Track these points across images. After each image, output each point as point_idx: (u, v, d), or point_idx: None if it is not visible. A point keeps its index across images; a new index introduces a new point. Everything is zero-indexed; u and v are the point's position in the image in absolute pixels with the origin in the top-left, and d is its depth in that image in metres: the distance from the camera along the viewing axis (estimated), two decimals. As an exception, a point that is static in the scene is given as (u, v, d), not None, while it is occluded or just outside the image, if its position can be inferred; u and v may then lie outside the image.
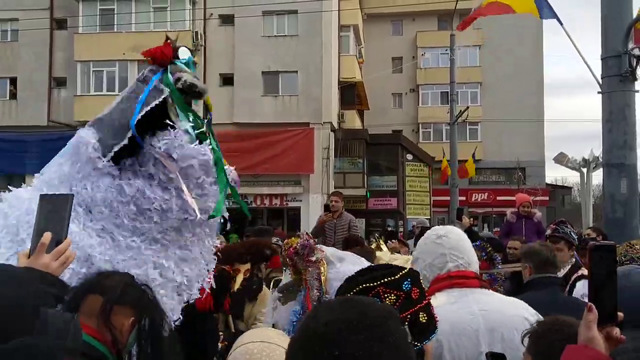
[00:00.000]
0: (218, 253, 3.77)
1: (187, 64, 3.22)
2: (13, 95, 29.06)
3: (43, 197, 2.05)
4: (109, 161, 2.95)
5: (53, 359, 1.34)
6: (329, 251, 3.73)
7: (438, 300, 2.44)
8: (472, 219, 13.68)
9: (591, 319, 1.79)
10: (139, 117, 2.93)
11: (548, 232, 5.88)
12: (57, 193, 2.24)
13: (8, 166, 26.98)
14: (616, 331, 1.82)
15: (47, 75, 28.53)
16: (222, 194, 3.16)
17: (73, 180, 2.98)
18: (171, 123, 2.99)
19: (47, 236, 1.92)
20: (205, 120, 3.23)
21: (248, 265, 4.62)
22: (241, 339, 2.20)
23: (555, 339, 2.00)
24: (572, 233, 5.42)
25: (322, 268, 3.38)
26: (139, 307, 1.94)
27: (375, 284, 1.95)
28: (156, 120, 2.98)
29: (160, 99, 3.00)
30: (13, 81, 29.08)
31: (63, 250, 1.95)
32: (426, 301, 2.07)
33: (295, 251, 3.49)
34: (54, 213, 1.99)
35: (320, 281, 3.30)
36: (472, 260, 2.69)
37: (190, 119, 3.11)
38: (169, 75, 3.10)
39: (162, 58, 3.15)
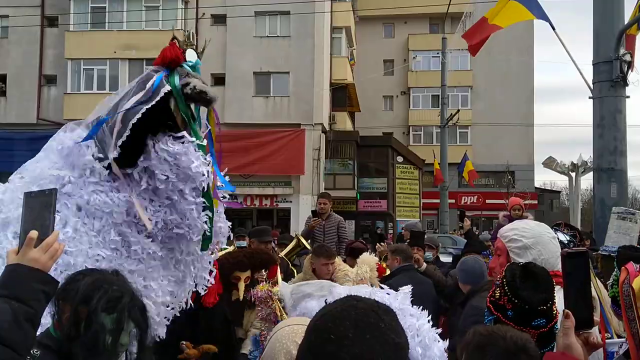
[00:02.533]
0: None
1: (193, 67, 3.19)
2: (2, 93, 28.82)
3: (28, 195, 2.07)
4: (107, 169, 2.95)
5: None
6: (290, 291, 3.78)
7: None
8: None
9: (569, 325, 1.80)
10: (140, 115, 2.89)
11: None
12: (41, 189, 2.23)
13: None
14: (594, 336, 1.83)
15: (37, 73, 28.32)
16: (211, 218, 3.17)
17: (70, 184, 2.98)
18: (171, 129, 3.00)
19: (34, 232, 1.93)
20: (204, 133, 3.19)
21: (248, 273, 4.62)
22: (283, 323, 2.41)
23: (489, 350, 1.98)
24: (557, 235, 5.35)
25: (278, 313, 3.48)
26: (76, 302, 2.20)
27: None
28: (158, 122, 2.94)
29: (158, 98, 2.94)
30: (2, 78, 28.83)
31: (51, 243, 1.95)
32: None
33: (251, 298, 3.71)
34: (40, 209, 2.01)
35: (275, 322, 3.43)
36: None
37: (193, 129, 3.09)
38: (176, 78, 3.04)
39: (171, 59, 3.09)
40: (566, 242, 5.26)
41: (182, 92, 3.04)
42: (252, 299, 4.02)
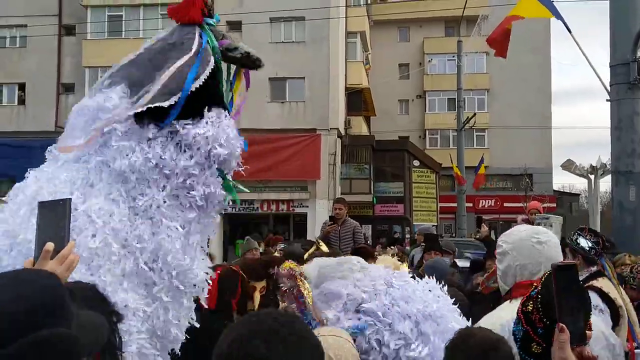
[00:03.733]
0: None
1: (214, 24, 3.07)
2: (21, 101, 29.21)
3: (42, 204, 2.07)
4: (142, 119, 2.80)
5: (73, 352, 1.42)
6: (317, 270, 3.77)
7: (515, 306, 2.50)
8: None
9: (564, 339, 1.80)
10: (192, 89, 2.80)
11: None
12: (55, 199, 2.24)
13: (14, 171, 27.08)
14: (588, 350, 1.83)
15: (55, 81, 28.67)
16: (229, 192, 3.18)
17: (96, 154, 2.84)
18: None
19: (50, 244, 1.93)
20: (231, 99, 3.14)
21: (264, 282, 4.59)
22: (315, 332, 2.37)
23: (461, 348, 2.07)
24: (579, 240, 5.29)
25: (303, 291, 3.43)
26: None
27: None
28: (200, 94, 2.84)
29: (208, 71, 2.86)
30: (21, 87, 29.24)
31: (67, 255, 1.95)
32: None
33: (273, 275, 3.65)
34: (54, 219, 2.01)
35: (300, 302, 3.34)
36: None
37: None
38: (214, 40, 2.94)
39: (196, 19, 2.95)
40: (587, 248, 5.20)
41: (227, 55, 2.97)
42: (275, 276, 3.97)
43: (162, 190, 2.80)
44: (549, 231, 2.88)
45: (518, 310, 2.21)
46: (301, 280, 3.40)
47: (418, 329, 3.06)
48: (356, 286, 3.29)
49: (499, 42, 10.42)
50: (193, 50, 2.88)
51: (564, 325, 1.80)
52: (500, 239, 2.86)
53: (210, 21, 2.99)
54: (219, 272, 5.05)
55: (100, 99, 2.90)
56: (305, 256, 7.74)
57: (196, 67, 2.85)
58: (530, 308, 2.16)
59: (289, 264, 4.00)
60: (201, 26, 2.99)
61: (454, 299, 3.80)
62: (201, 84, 2.81)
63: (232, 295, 4.50)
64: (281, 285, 3.47)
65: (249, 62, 3.00)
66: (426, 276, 3.55)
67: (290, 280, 3.38)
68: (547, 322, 2.09)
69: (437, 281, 3.66)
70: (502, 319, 2.45)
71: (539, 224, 6.00)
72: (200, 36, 2.96)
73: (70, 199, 2.11)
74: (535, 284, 2.62)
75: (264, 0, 26.63)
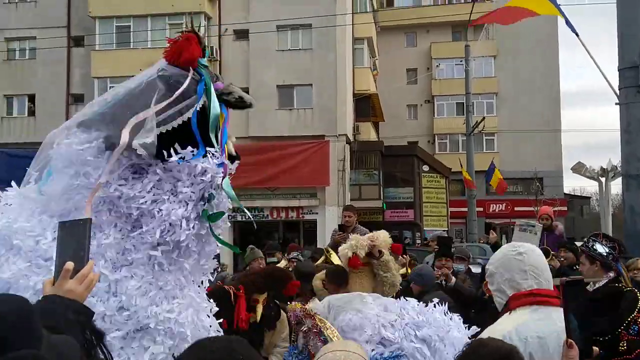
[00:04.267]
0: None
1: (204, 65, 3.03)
2: (31, 113, 29.43)
3: (62, 224, 2.10)
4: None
5: None
6: (327, 304, 3.79)
7: (522, 316, 2.55)
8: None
9: (573, 355, 1.79)
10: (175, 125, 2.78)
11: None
12: (75, 219, 2.26)
13: (20, 182, 27.27)
14: None
15: (65, 92, 28.87)
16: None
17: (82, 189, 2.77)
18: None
19: (70, 263, 1.96)
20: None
21: (265, 295, 4.61)
22: (327, 347, 2.41)
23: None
24: (596, 247, 5.25)
25: (322, 328, 3.44)
26: None
27: None
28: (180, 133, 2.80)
29: (197, 108, 2.84)
30: (31, 98, 29.46)
31: (86, 274, 1.98)
32: None
33: (293, 323, 3.62)
34: (74, 238, 2.03)
35: (322, 341, 3.35)
36: (549, 278, 2.77)
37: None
38: (211, 84, 2.91)
39: (192, 60, 2.90)
40: (605, 254, 5.16)
41: (222, 99, 2.95)
42: (291, 319, 4.00)
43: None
44: (524, 243, 2.98)
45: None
46: (320, 320, 3.43)
47: (434, 349, 3.17)
48: (377, 318, 3.35)
49: (504, 17, 10.33)
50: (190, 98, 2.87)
51: (572, 341, 1.79)
52: (487, 266, 2.94)
53: (203, 61, 2.95)
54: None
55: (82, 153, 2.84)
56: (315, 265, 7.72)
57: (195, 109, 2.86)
58: None
59: (297, 305, 4.03)
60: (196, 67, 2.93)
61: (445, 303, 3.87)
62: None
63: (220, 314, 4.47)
64: (303, 327, 3.50)
65: (241, 105, 3.02)
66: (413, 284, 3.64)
67: (308, 319, 3.42)
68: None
69: (423, 287, 3.75)
70: (504, 331, 2.50)
71: (524, 230, 6.26)
72: (197, 76, 2.93)
73: (90, 219, 2.14)
74: (534, 292, 2.68)
75: (271, 9, 26.72)
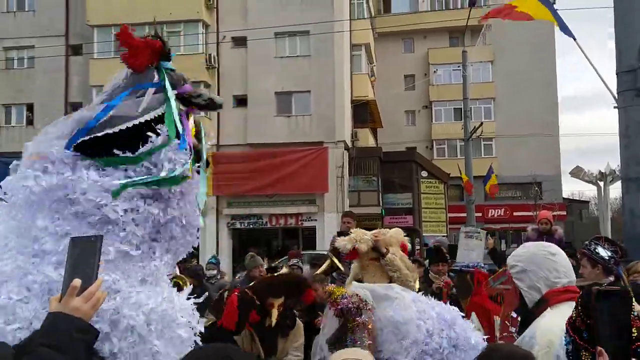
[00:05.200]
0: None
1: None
2: (30, 122, 29.43)
3: (73, 240, 2.07)
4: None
5: None
6: (368, 293, 3.72)
7: (566, 311, 2.56)
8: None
9: None
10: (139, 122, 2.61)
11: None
12: (87, 236, 2.19)
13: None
14: None
15: (63, 101, 28.89)
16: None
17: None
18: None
19: (77, 280, 1.93)
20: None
21: (282, 300, 4.55)
22: (336, 356, 2.42)
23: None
24: (598, 250, 5.25)
25: (370, 323, 3.40)
26: None
27: None
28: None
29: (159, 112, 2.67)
30: (29, 107, 29.48)
31: (93, 292, 1.95)
32: None
33: (341, 310, 3.49)
34: (84, 255, 2.00)
35: (370, 334, 3.31)
36: (573, 277, 2.92)
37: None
38: (168, 86, 2.75)
39: (137, 66, 2.77)
40: (607, 257, 5.17)
41: (190, 102, 2.80)
42: (340, 308, 3.79)
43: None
44: (552, 244, 3.07)
45: (566, 323, 2.25)
46: (368, 309, 3.37)
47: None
48: (420, 319, 3.35)
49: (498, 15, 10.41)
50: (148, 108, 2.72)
51: (602, 349, 1.79)
52: (511, 260, 2.99)
53: (168, 65, 2.82)
54: (236, 294, 5.03)
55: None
56: (319, 271, 7.71)
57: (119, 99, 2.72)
58: (573, 316, 2.19)
59: (343, 290, 3.86)
60: (159, 70, 2.82)
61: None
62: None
63: (247, 317, 4.47)
64: (360, 318, 3.42)
65: (212, 106, 2.87)
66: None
67: (365, 310, 3.35)
68: (588, 322, 2.11)
69: None
70: (560, 324, 2.49)
71: (470, 237, 6.39)
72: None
73: (102, 236, 2.09)
74: (569, 289, 2.77)
75: (269, 16, 26.79)
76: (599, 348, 1.81)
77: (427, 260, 9.05)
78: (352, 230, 4.55)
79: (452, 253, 8.41)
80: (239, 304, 4.42)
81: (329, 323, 3.75)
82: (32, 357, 1.82)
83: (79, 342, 1.88)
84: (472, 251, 6.36)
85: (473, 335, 3.55)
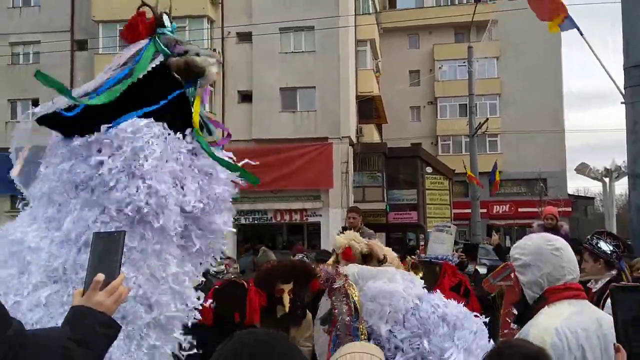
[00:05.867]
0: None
1: (172, 32, 2.93)
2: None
3: (97, 235, 2.09)
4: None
5: None
6: (356, 270, 3.71)
7: (564, 310, 2.65)
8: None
9: (619, 359, 1.79)
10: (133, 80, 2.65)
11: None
12: (110, 231, 2.24)
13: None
14: None
15: (68, 96, 28.93)
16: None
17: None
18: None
19: (100, 275, 1.94)
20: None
21: (291, 285, 4.33)
22: (344, 349, 2.42)
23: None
24: (600, 244, 5.24)
25: (350, 291, 3.35)
26: None
27: None
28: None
29: (158, 62, 2.73)
30: (35, 103, 29.43)
31: (116, 287, 1.96)
32: None
33: (321, 282, 3.49)
34: (107, 250, 2.01)
35: (349, 305, 3.27)
36: (577, 273, 2.88)
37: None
38: (162, 46, 2.79)
39: (146, 30, 2.83)
40: (609, 251, 5.15)
41: (187, 64, 2.80)
42: (323, 276, 3.82)
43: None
44: (557, 237, 3.01)
45: None
46: (349, 284, 3.36)
47: (453, 333, 3.15)
48: (405, 291, 3.32)
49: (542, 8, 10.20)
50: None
51: (619, 345, 1.79)
52: (515, 252, 2.94)
53: (165, 30, 2.86)
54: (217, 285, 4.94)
55: None
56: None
57: (119, 75, 2.74)
58: None
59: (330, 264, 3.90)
60: (153, 39, 2.86)
61: None
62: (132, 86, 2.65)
63: (236, 308, 4.32)
64: (335, 284, 3.41)
65: (198, 66, 2.81)
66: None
67: (340, 278, 3.35)
68: None
69: None
70: (554, 324, 2.57)
71: (440, 230, 6.63)
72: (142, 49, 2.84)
73: (124, 232, 2.11)
74: (569, 286, 2.75)
75: (273, 11, 26.74)
76: (616, 344, 1.81)
77: None
78: (348, 232, 4.52)
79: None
80: (215, 295, 4.37)
81: (323, 305, 3.77)
82: (60, 350, 1.81)
83: (102, 337, 1.89)
84: (442, 244, 6.51)
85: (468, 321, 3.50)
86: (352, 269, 3.83)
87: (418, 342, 3.17)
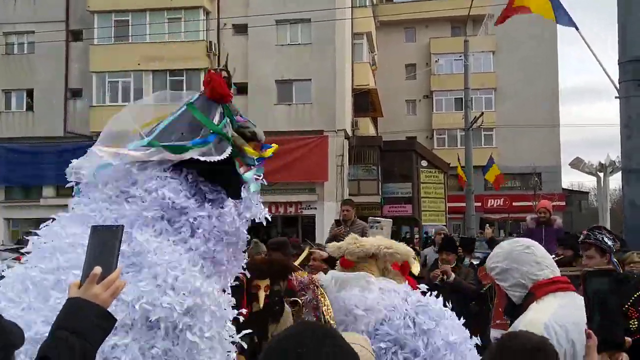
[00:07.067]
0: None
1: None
2: (30, 107, 29.37)
3: (95, 228, 2.09)
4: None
5: None
6: (331, 277, 3.73)
7: (552, 304, 2.67)
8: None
9: (590, 344, 1.80)
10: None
11: (581, 237, 5.78)
12: (109, 225, 2.26)
13: (24, 178, 27.36)
14: (623, 357, 1.82)
15: (63, 87, 28.80)
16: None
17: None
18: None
19: (98, 268, 1.94)
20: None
21: (267, 282, 4.37)
22: None
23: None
24: (605, 239, 5.26)
25: (320, 302, 3.39)
26: None
27: None
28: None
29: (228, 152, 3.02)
30: (30, 93, 29.39)
31: (113, 280, 1.96)
32: None
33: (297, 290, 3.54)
34: (105, 244, 2.02)
35: (317, 318, 3.31)
36: (556, 267, 2.91)
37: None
38: (233, 117, 3.15)
39: (221, 96, 3.14)
40: (612, 245, 5.19)
41: (239, 131, 3.16)
42: (296, 286, 3.88)
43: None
44: (523, 238, 3.10)
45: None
46: (322, 294, 3.38)
47: (429, 343, 3.19)
48: (382, 296, 3.33)
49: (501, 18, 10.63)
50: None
51: (590, 331, 1.80)
52: (490, 263, 2.98)
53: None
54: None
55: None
56: (297, 262, 7.67)
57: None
58: None
59: (303, 273, 3.93)
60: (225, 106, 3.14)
61: None
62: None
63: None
64: (303, 296, 3.43)
65: (254, 138, 3.21)
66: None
67: (309, 291, 3.37)
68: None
69: None
70: (543, 319, 2.58)
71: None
72: (222, 116, 3.11)
73: (123, 226, 2.12)
74: (555, 280, 2.77)
75: (270, 3, 26.67)
76: (587, 330, 1.83)
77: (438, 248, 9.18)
78: (348, 238, 4.48)
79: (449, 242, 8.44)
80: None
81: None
82: (51, 340, 1.83)
83: (98, 329, 1.90)
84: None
85: (453, 322, 3.52)
86: (327, 276, 3.88)
87: (392, 352, 3.24)
